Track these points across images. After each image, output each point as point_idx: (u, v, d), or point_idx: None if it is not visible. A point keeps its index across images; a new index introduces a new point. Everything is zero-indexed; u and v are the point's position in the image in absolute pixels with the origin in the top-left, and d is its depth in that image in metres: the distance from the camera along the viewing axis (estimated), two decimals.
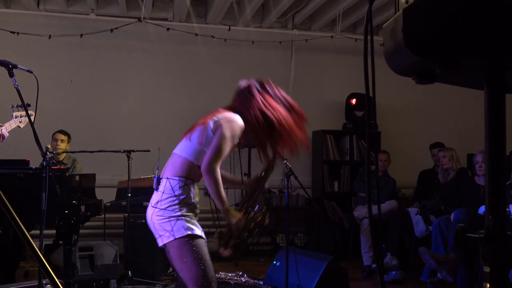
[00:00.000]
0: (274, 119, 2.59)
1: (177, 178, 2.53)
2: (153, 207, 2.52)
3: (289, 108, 2.67)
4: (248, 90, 2.65)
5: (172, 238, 2.41)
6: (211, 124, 2.54)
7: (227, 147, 2.50)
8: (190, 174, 2.54)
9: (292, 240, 6.67)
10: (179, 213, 2.45)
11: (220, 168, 2.52)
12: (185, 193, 2.50)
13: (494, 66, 1.10)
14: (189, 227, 2.44)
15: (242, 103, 2.65)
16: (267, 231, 2.78)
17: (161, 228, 2.45)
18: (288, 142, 2.71)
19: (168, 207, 2.47)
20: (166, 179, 2.55)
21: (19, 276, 4.88)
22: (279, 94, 2.68)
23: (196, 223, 2.50)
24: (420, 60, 1.06)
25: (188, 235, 2.41)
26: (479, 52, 1.03)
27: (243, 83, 2.70)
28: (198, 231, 2.47)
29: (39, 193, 3.37)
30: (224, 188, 2.53)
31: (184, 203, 2.48)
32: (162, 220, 2.45)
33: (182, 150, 2.61)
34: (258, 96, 2.62)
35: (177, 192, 2.49)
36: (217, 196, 2.51)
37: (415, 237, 5.30)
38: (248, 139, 2.72)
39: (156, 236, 2.50)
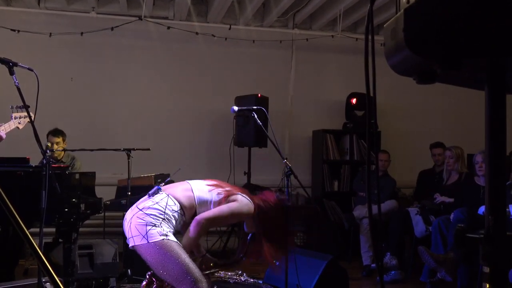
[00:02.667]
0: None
1: (178, 204, 2.65)
2: (138, 208, 2.60)
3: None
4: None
5: (144, 242, 2.48)
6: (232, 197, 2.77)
7: (227, 218, 2.74)
8: (188, 211, 2.70)
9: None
10: (158, 224, 2.54)
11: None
12: (174, 219, 2.61)
13: (495, 66, 1.10)
14: (164, 234, 2.52)
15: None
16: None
17: (135, 230, 2.52)
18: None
19: (152, 215, 2.55)
20: (167, 196, 2.66)
21: (19, 274, 4.88)
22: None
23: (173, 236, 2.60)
24: (420, 60, 1.06)
25: (162, 239, 2.49)
26: (479, 52, 1.03)
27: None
28: (173, 237, 2.54)
29: (39, 191, 3.37)
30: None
31: (168, 223, 2.59)
32: (140, 223, 2.52)
33: (199, 191, 2.78)
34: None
35: (168, 212, 2.59)
36: (193, 243, 2.68)
37: (414, 237, 5.29)
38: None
39: (128, 236, 2.57)
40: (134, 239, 2.53)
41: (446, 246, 4.67)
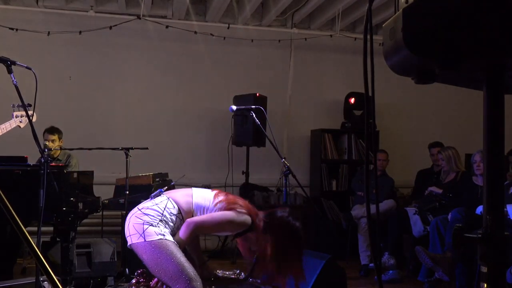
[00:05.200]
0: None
1: (177, 207, 2.68)
2: (138, 209, 2.64)
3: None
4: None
5: (141, 240, 2.50)
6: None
7: (219, 226, 2.72)
8: (186, 216, 2.70)
9: None
10: (155, 224, 2.56)
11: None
12: (171, 222, 2.63)
13: (494, 66, 1.10)
14: (161, 233, 2.54)
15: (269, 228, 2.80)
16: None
17: (133, 228, 2.55)
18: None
19: (149, 215, 2.57)
20: (167, 199, 2.68)
21: (17, 272, 4.88)
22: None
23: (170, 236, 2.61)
24: (419, 60, 1.06)
25: (159, 238, 2.51)
26: (478, 52, 1.04)
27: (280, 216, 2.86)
28: (170, 237, 2.55)
29: (37, 190, 3.36)
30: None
31: (165, 224, 2.61)
32: (138, 222, 2.55)
33: (200, 198, 2.77)
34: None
35: (166, 214, 2.61)
36: (181, 245, 2.67)
37: (413, 236, 5.30)
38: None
39: (126, 234, 2.60)
40: (131, 238, 2.56)
41: (444, 246, 4.67)
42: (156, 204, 2.65)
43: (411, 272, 5.32)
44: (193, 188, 2.86)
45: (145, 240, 2.50)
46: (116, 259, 4.67)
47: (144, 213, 2.59)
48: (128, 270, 4.64)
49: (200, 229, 2.70)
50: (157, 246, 2.48)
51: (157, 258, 2.48)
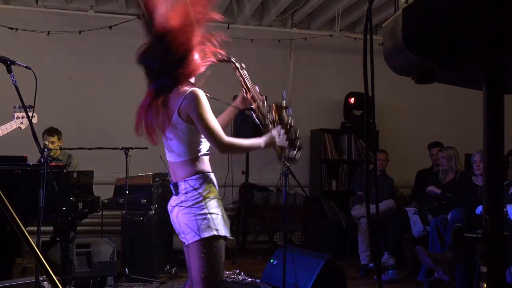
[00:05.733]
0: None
1: (193, 177, 2.41)
2: (177, 206, 2.41)
3: None
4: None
5: (197, 238, 2.31)
6: (175, 115, 2.39)
7: (211, 117, 2.43)
8: (201, 168, 2.44)
9: (290, 238, 6.67)
10: (205, 211, 2.34)
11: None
12: (207, 187, 2.41)
13: (493, 66, 1.10)
14: (215, 227, 2.33)
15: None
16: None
17: (186, 227, 2.35)
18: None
19: (193, 205, 2.36)
20: (184, 181, 2.41)
21: (16, 272, 4.88)
22: None
23: (222, 218, 2.38)
24: (419, 60, 1.06)
25: (214, 236, 2.32)
26: (478, 52, 1.04)
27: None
28: (223, 230, 2.36)
29: (36, 190, 3.36)
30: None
31: (208, 197, 2.38)
32: (188, 218, 2.35)
33: (173, 156, 2.49)
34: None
35: (200, 190, 2.38)
36: (250, 150, 2.51)
37: (412, 236, 5.30)
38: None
39: (181, 236, 2.40)
40: (187, 238, 2.36)
41: (444, 246, 4.67)
42: (185, 193, 2.38)
43: (411, 272, 5.32)
44: (169, 161, 2.56)
45: (200, 237, 2.30)
46: (116, 259, 4.68)
47: (186, 207, 2.36)
48: (128, 270, 4.65)
49: (221, 136, 2.44)
50: (210, 246, 2.31)
51: (203, 256, 2.31)
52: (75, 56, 6.48)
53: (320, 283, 4.20)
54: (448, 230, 4.64)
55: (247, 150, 2.45)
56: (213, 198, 2.39)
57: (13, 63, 3.19)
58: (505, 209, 4.19)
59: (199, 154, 2.44)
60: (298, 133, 2.70)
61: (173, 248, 5.60)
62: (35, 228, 3.39)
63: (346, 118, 7.00)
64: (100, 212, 4.98)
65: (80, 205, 4.13)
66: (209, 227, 2.32)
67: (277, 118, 2.65)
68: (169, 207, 2.49)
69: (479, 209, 4.51)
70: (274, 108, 2.71)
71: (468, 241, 1.17)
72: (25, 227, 1.12)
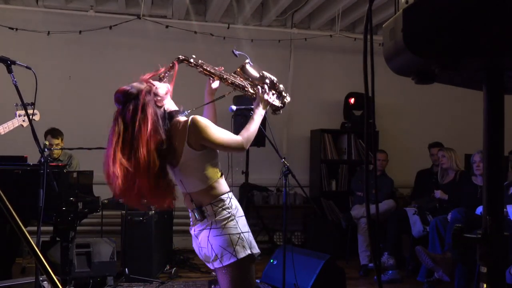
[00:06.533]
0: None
1: (218, 198, 2.32)
2: (206, 229, 2.30)
3: None
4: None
5: (234, 259, 2.24)
6: (185, 147, 2.31)
7: (220, 133, 2.38)
8: (224, 190, 2.36)
9: (290, 238, 6.67)
10: (238, 230, 2.28)
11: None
12: (235, 206, 2.34)
13: (493, 66, 1.10)
14: (249, 245, 2.28)
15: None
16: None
17: (220, 249, 2.25)
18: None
19: (225, 224, 2.27)
20: (210, 205, 2.30)
21: (16, 272, 4.88)
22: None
23: (250, 235, 2.34)
24: (419, 60, 1.06)
25: (248, 255, 2.26)
26: (478, 52, 1.04)
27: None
28: (255, 248, 2.32)
29: (36, 190, 3.36)
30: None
31: (239, 216, 2.33)
32: (223, 240, 2.25)
33: (191, 186, 2.35)
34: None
35: (229, 209, 2.31)
36: (258, 125, 2.57)
37: (412, 236, 5.30)
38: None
39: (212, 258, 2.29)
40: (221, 260, 2.26)
41: (444, 246, 4.67)
42: (214, 214, 2.29)
43: (411, 272, 5.32)
44: (187, 193, 2.38)
45: (237, 258, 2.25)
46: (115, 259, 4.68)
47: (218, 227, 2.27)
48: (128, 270, 4.65)
49: (236, 141, 2.42)
50: (244, 267, 2.27)
51: (237, 277, 2.27)
52: (75, 56, 6.48)
53: (320, 283, 4.21)
54: (448, 231, 4.64)
55: (257, 128, 2.50)
56: (241, 216, 2.35)
57: (13, 63, 3.19)
58: (505, 210, 4.19)
59: (218, 177, 2.36)
60: (275, 79, 2.81)
61: (173, 248, 5.60)
62: (35, 228, 3.39)
63: (346, 118, 7.00)
64: (100, 212, 4.98)
65: (80, 205, 4.13)
66: (243, 247, 2.27)
67: (251, 80, 2.82)
68: (193, 233, 2.39)
69: (479, 210, 4.51)
70: (239, 71, 2.77)
71: (468, 241, 1.17)
72: (25, 227, 1.12)
